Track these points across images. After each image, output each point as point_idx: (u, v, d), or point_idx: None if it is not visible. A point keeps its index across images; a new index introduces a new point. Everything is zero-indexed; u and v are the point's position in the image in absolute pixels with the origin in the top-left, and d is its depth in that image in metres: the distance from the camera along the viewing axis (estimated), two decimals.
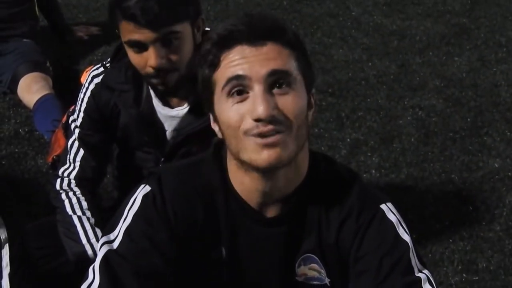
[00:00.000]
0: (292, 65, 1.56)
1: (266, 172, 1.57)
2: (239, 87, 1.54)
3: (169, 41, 2.11)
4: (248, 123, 1.53)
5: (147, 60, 2.13)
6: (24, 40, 3.99)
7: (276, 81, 1.54)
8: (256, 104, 1.52)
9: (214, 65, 1.56)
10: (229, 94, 1.55)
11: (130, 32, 2.11)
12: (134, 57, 2.17)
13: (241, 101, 1.54)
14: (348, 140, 3.62)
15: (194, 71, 2.15)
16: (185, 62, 2.16)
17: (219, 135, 1.63)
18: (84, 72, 4.02)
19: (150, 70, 2.14)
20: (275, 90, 1.54)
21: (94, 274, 1.60)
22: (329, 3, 5.24)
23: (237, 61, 1.54)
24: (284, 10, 5.13)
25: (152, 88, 2.27)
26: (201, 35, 2.23)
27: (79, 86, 2.68)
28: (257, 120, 1.51)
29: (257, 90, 1.53)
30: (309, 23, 4.93)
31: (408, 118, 3.83)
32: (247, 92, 1.54)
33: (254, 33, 1.54)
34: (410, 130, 3.72)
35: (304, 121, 1.58)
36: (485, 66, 4.43)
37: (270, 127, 1.52)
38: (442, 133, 3.72)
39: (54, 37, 4.46)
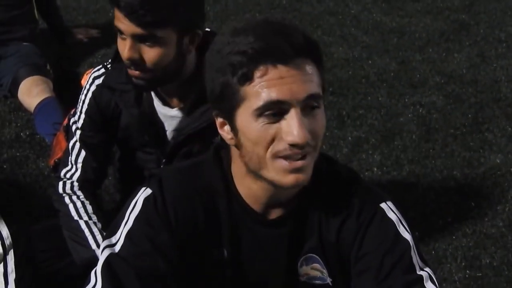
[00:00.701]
0: (319, 85, 1.54)
1: (288, 189, 1.59)
2: (274, 110, 1.50)
3: (146, 41, 2.11)
4: (280, 145, 1.51)
5: (124, 48, 2.14)
6: (24, 43, 3.99)
7: (309, 104, 1.52)
8: (292, 128, 1.49)
9: (247, 79, 1.51)
10: (261, 115, 1.51)
11: (116, 18, 2.12)
12: (118, 42, 2.17)
13: (273, 122, 1.51)
14: (349, 138, 3.62)
15: (185, 74, 2.17)
16: (161, 66, 2.14)
17: (231, 143, 1.61)
18: (85, 75, 4.02)
19: (124, 58, 2.16)
20: (308, 112, 1.52)
21: (96, 278, 1.61)
22: (329, 1, 5.24)
23: (274, 81, 1.49)
24: (283, 9, 5.13)
25: (130, 81, 2.24)
26: (196, 48, 2.21)
27: (79, 88, 2.68)
28: (293, 145, 1.50)
29: (294, 113, 1.50)
30: (309, 21, 4.93)
31: (409, 115, 3.83)
32: (281, 114, 1.51)
33: (295, 52, 1.49)
34: (411, 127, 3.72)
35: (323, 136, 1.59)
36: (485, 62, 4.43)
37: (301, 151, 1.51)
38: (443, 129, 3.71)
39: (54, 39, 4.46)
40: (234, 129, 1.57)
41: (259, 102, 1.50)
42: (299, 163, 1.52)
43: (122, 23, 2.09)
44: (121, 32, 2.12)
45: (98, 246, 2.34)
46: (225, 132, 1.61)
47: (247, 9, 5.08)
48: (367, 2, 5.24)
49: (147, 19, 2.06)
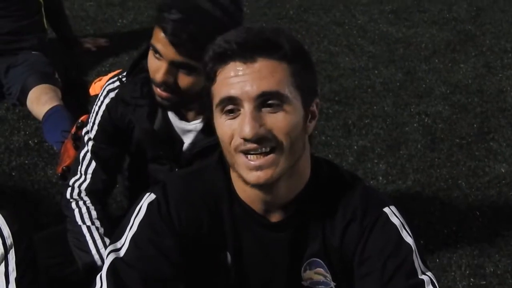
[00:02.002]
0: (284, 83, 1.58)
1: (258, 188, 1.61)
2: (230, 106, 1.57)
3: (183, 68, 2.13)
4: (237, 141, 1.57)
5: (158, 70, 2.16)
6: (33, 52, 4.02)
7: (266, 100, 1.56)
8: (243, 123, 1.55)
9: (211, 78, 1.60)
10: (222, 111, 1.59)
11: (157, 39, 2.12)
12: (151, 59, 2.19)
13: (233, 118, 1.58)
14: (355, 147, 3.64)
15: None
16: (191, 92, 2.17)
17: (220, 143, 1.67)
18: (93, 83, 4.09)
19: (156, 78, 2.17)
20: (265, 109, 1.57)
21: (101, 282, 1.63)
22: (335, 12, 5.27)
23: (230, 79, 1.56)
24: (290, 19, 5.15)
25: (154, 97, 2.26)
26: None
27: (87, 97, 2.70)
28: (244, 139, 1.55)
29: (246, 109, 1.56)
30: (316, 32, 4.96)
31: (415, 124, 3.84)
32: (239, 110, 1.57)
33: (246, 50, 1.56)
34: (416, 137, 3.74)
35: (298, 136, 1.60)
36: (491, 72, 4.44)
37: (255, 145, 1.55)
38: (448, 139, 3.73)
39: (63, 49, 4.50)
40: (214, 129, 1.65)
41: (218, 99, 1.59)
42: (257, 161, 1.56)
43: (164, 47, 2.11)
44: (159, 54, 2.13)
45: (98, 251, 2.37)
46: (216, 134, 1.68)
47: (254, 19, 5.10)
48: (373, 12, 5.27)
49: (192, 51, 2.08)
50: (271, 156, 1.56)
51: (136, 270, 1.62)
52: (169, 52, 2.10)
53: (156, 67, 2.15)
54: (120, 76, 2.39)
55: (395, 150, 3.63)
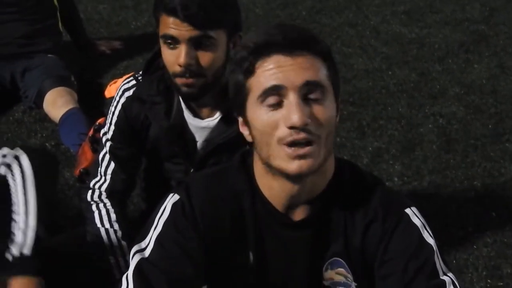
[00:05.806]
0: (324, 75, 1.62)
1: (296, 178, 1.62)
2: (274, 96, 1.58)
3: (202, 44, 2.17)
4: (282, 131, 1.58)
5: (177, 58, 2.18)
6: (49, 55, 4.04)
7: (309, 91, 1.59)
8: (291, 112, 1.57)
9: (249, 72, 1.61)
10: (264, 102, 1.60)
11: (167, 26, 2.16)
12: (166, 53, 2.21)
13: (276, 108, 1.59)
14: (370, 148, 3.64)
15: (222, 82, 2.21)
16: (213, 70, 2.21)
17: (248, 139, 1.68)
18: (108, 86, 4.09)
19: (177, 68, 2.19)
20: (309, 100, 1.59)
21: (127, 282, 1.64)
22: (348, 13, 5.27)
23: (273, 70, 1.58)
24: (303, 20, 5.16)
25: (177, 91, 2.29)
26: None
27: (103, 100, 2.72)
28: (291, 127, 1.56)
29: (292, 98, 1.57)
30: (328, 33, 4.96)
31: (429, 126, 3.84)
32: (282, 100, 1.58)
33: (290, 43, 1.59)
34: (431, 138, 3.74)
35: (332, 130, 1.63)
36: (505, 72, 4.43)
37: (302, 135, 1.56)
38: (463, 140, 3.72)
39: (78, 52, 4.52)
40: (247, 123, 1.66)
41: (260, 90, 1.59)
42: (302, 150, 1.57)
43: (177, 29, 2.14)
44: (174, 40, 2.17)
45: (114, 253, 2.39)
46: (244, 129, 1.69)
47: (267, 21, 5.11)
48: (386, 13, 5.26)
49: (203, 20, 2.13)
50: (313, 147, 1.58)
51: (161, 270, 1.64)
52: (184, 30, 2.14)
53: (175, 56, 2.18)
54: (136, 75, 2.42)
55: (410, 151, 3.63)
